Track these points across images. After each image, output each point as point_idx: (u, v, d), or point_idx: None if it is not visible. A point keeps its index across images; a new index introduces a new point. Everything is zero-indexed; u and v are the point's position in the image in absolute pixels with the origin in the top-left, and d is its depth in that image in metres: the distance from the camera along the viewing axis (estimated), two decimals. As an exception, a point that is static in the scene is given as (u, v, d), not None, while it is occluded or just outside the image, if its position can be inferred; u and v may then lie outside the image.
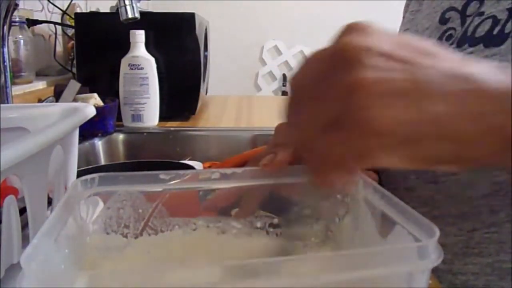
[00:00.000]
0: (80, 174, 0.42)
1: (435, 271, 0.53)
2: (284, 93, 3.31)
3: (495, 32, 0.50)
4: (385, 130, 0.27)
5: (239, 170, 0.38)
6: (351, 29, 0.30)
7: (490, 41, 0.50)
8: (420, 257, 0.27)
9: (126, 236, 0.38)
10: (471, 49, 0.52)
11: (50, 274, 0.25)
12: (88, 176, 0.37)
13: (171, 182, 0.38)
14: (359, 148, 0.28)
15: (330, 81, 0.29)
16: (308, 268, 0.26)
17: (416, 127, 0.27)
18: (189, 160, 0.94)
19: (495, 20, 0.50)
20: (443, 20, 0.58)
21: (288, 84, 0.32)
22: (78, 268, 0.34)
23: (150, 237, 0.39)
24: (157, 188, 0.38)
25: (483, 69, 0.29)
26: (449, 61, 0.29)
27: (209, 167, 0.93)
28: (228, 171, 0.38)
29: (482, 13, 0.52)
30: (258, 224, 0.41)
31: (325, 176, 0.31)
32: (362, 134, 0.27)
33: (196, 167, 0.84)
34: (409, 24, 0.66)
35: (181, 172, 0.39)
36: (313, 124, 0.30)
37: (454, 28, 0.56)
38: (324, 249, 0.39)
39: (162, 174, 0.38)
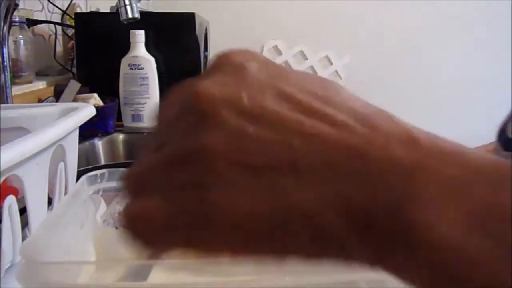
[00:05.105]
0: (80, 174, 0.42)
1: None
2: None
3: None
4: (230, 222, 0.20)
5: None
6: (220, 64, 0.22)
7: None
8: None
9: None
10: None
11: (52, 267, 0.25)
12: (98, 171, 0.37)
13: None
14: (187, 236, 0.21)
15: (173, 136, 0.21)
16: (310, 267, 0.26)
17: (275, 220, 0.19)
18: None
19: None
20: None
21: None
22: (85, 259, 0.34)
23: None
24: None
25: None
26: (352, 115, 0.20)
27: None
28: None
29: None
30: None
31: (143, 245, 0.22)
32: (195, 223, 0.20)
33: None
34: None
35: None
36: (139, 182, 0.22)
37: None
38: None
39: None
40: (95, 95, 1.06)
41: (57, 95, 1.06)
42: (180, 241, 0.21)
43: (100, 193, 0.38)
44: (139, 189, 0.22)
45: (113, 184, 0.38)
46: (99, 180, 0.38)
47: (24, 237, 0.40)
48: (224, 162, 0.20)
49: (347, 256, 0.20)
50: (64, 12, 1.42)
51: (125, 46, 1.13)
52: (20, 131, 0.52)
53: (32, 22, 1.23)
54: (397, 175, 0.19)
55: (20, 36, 1.15)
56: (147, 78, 1.13)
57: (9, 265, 0.39)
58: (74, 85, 1.05)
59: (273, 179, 0.19)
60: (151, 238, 0.21)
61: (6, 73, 0.88)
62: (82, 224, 0.35)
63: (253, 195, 0.19)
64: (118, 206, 0.38)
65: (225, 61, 0.23)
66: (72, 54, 1.39)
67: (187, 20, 1.21)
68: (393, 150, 0.19)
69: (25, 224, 0.40)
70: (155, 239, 0.21)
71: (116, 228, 0.38)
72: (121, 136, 1.12)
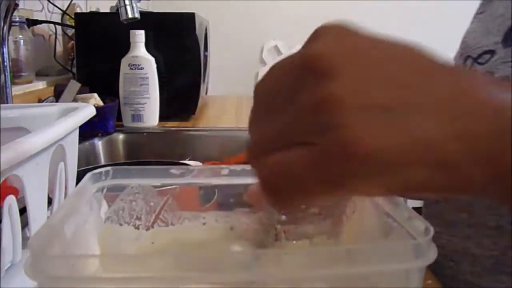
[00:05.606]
0: (80, 174, 0.43)
1: (464, 282, 0.52)
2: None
3: None
4: (367, 155, 0.22)
5: (248, 167, 0.40)
6: (322, 33, 0.26)
7: None
8: (415, 256, 0.27)
9: (138, 228, 0.39)
10: None
11: (59, 260, 0.25)
12: (103, 169, 0.38)
13: (182, 177, 0.39)
14: (330, 174, 0.23)
15: (298, 94, 0.24)
16: (305, 262, 0.26)
17: (404, 151, 0.23)
18: (189, 160, 0.94)
19: None
20: None
21: (253, 93, 0.28)
22: (89, 255, 0.35)
23: (160, 229, 0.40)
24: (169, 182, 0.39)
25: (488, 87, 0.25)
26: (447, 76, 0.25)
27: (209, 167, 0.93)
28: (238, 167, 0.40)
29: None
30: (266, 221, 0.42)
31: (281, 199, 0.25)
32: (338, 158, 0.23)
33: (196, 167, 0.84)
34: (484, 7, 0.65)
35: (191, 167, 0.40)
36: (274, 141, 0.25)
37: None
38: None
39: (173, 169, 0.39)
40: (95, 95, 1.06)
41: (57, 95, 1.06)
42: (323, 185, 0.24)
43: (105, 190, 0.38)
44: (274, 145, 0.25)
45: (117, 181, 0.39)
46: (103, 178, 0.38)
47: (24, 237, 0.40)
48: (352, 104, 0.22)
49: (471, 188, 0.24)
50: (64, 12, 1.43)
51: (125, 46, 1.13)
52: (20, 131, 0.52)
53: (32, 22, 1.23)
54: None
55: (20, 36, 1.15)
56: (147, 78, 1.13)
57: (9, 265, 0.40)
58: (74, 85, 1.05)
59: (398, 117, 0.23)
60: (295, 188, 0.24)
61: (6, 73, 0.88)
62: (86, 220, 0.35)
63: (387, 129, 0.23)
64: (122, 204, 0.39)
65: (323, 31, 0.26)
66: (72, 54, 1.39)
67: (187, 20, 1.21)
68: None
69: (25, 224, 0.40)
70: (299, 189, 0.24)
71: (120, 225, 0.39)
72: (121, 136, 1.12)
